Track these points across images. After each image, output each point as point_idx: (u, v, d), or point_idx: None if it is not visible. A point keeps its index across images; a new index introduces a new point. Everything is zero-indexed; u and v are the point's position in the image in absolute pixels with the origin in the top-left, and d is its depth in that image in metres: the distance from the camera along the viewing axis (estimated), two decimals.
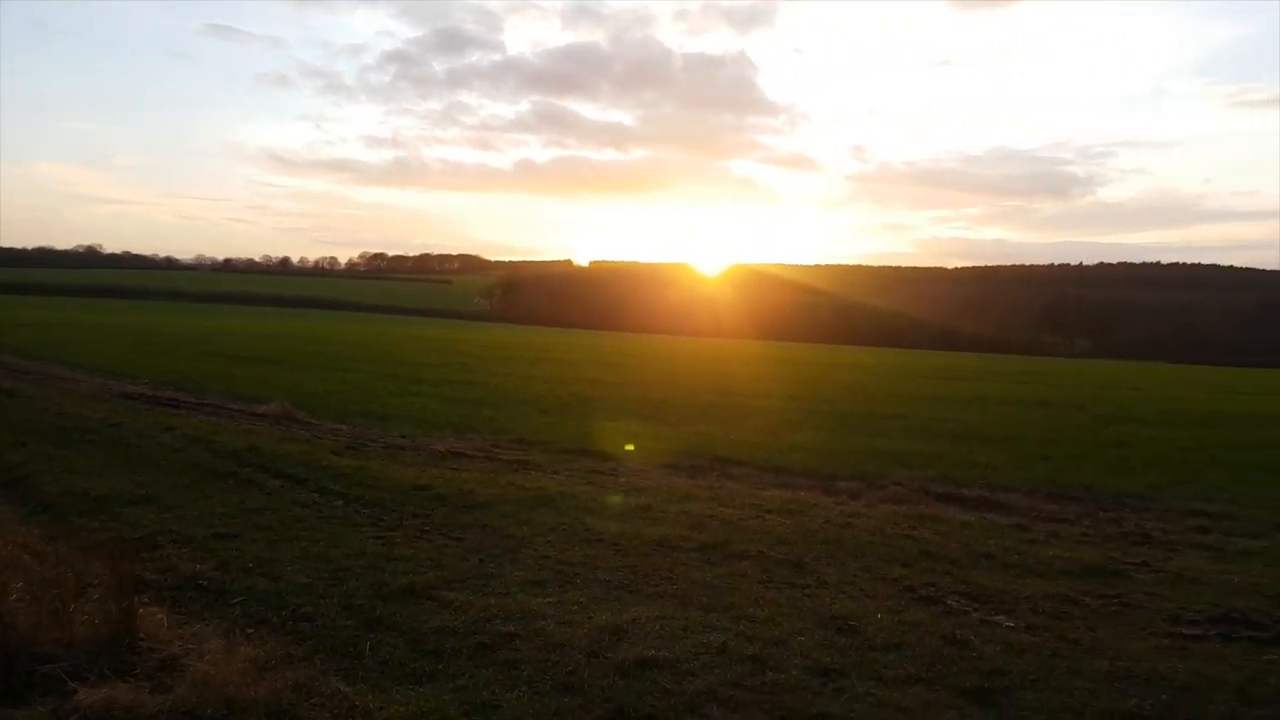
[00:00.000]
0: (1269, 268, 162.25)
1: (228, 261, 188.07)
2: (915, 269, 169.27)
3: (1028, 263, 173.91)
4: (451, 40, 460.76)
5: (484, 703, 4.39)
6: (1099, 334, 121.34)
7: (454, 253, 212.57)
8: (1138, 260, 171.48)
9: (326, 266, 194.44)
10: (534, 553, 7.05)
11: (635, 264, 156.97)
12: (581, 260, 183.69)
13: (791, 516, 8.66)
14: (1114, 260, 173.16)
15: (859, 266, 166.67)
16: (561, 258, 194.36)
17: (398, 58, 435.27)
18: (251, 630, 5.11)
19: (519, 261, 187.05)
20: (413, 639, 5.15)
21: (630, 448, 12.66)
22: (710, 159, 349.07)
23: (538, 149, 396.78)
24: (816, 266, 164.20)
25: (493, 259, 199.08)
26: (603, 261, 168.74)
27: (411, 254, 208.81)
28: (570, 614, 5.63)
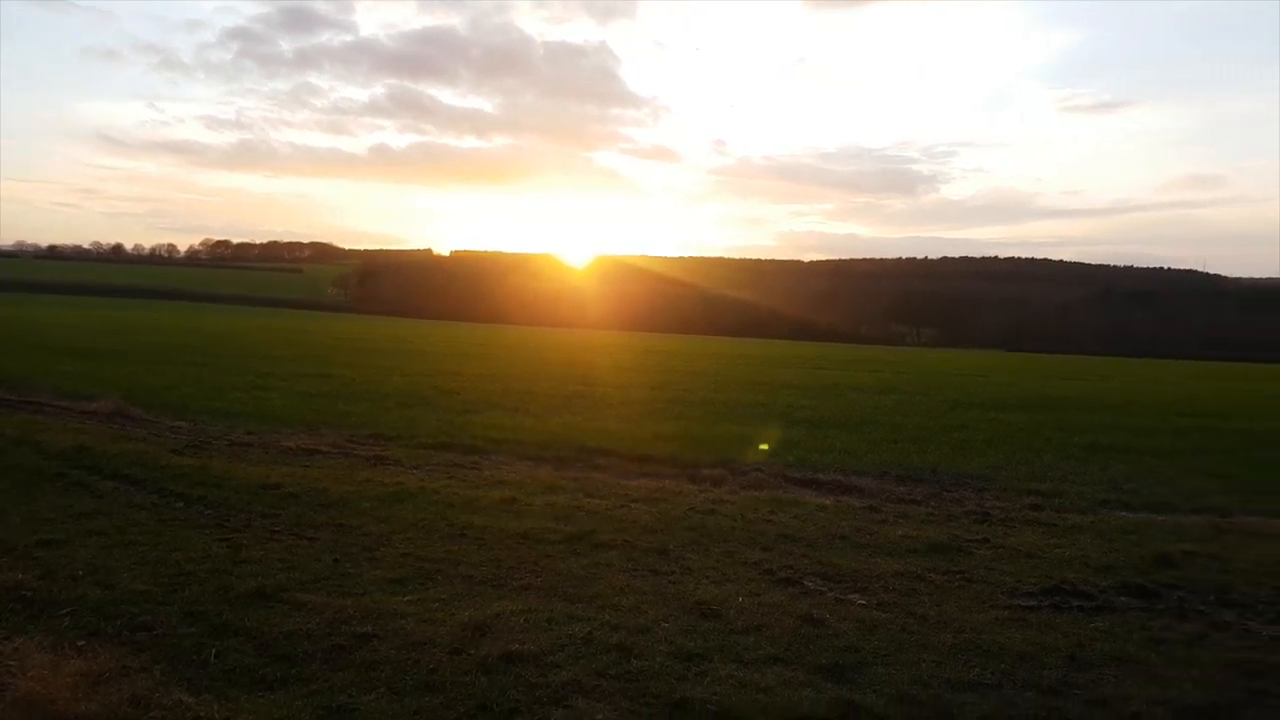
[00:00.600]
0: (1094, 262, 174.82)
1: (52, 248, 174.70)
2: (774, 261, 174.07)
3: (878, 256, 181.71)
4: (299, 18, 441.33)
5: (339, 707, 4.22)
6: (943, 324, 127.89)
7: (305, 240, 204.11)
8: (978, 255, 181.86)
9: (165, 254, 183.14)
10: (393, 550, 6.84)
11: (499, 254, 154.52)
12: (442, 250, 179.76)
13: (656, 505, 8.73)
14: (956, 255, 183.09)
15: (721, 259, 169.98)
16: (421, 247, 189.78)
17: (240, 35, 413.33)
18: (82, 642, 4.75)
19: (376, 250, 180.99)
20: (262, 644, 4.90)
21: (494, 440, 12.49)
22: (574, 149, 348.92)
23: (394, 134, 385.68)
24: (680, 258, 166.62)
25: (347, 247, 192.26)
26: (465, 251, 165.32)
27: (259, 241, 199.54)
28: (432, 611, 5.48)
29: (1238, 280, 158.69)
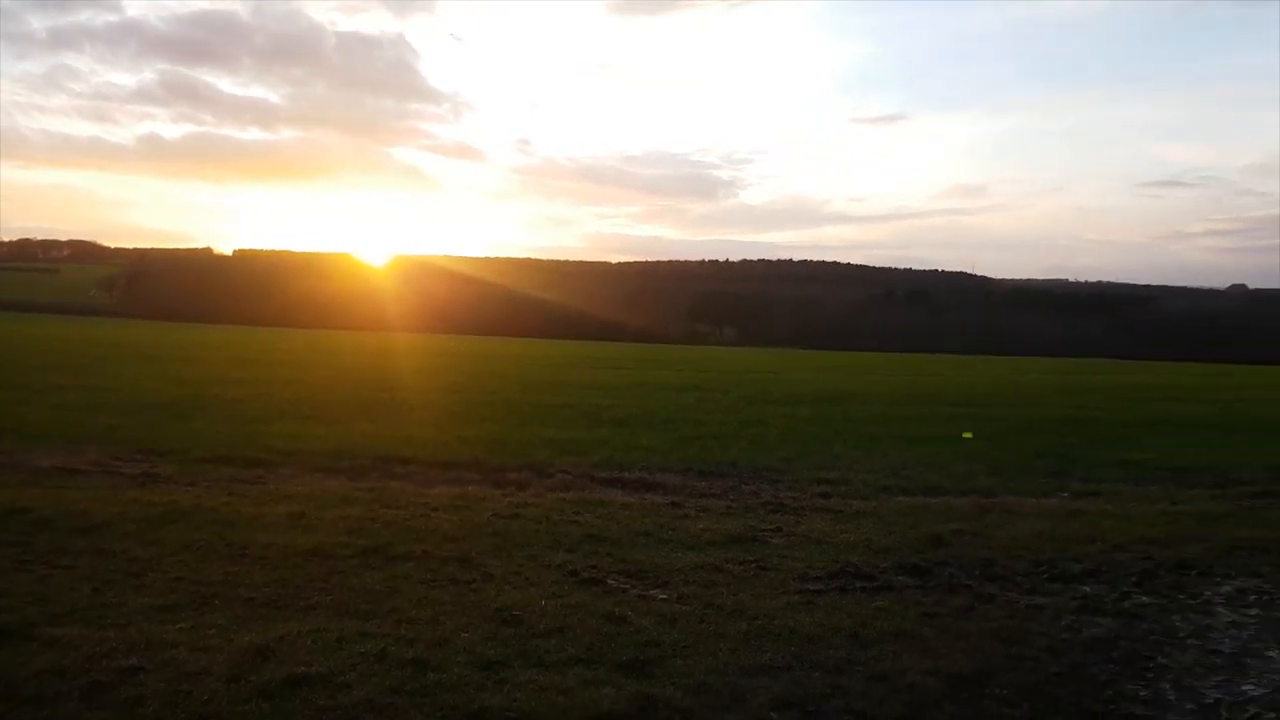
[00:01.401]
0: (878, 264, 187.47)
1: None
2: (581, 263, 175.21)
3: (682, 259, 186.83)
4: None
5: None
6: (743, 323, 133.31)
7: (63, 238, 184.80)
8: (774, 257, 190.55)
9: None
10: (163, 575, 6.28)
11: (289, 253, 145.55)
12: (224, 248, 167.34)
13: (458, 512, 8.51)
14: (755, 258, 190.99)
15: (527, 259, 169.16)
16: (201, 245, 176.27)
17: None
18: None
19: (148, 249, 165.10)
20: (8, 686, 4.37)
21: (282, 452, 11.77)
22: (371, 144, 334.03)
23: (167, 124, 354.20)
24: (485, 258, 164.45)
25: (113, 246, 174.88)
26: (250, 250, 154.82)
27: (9, 238, 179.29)
28: (207, 639, 5.07)
29: (1003, 281, 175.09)
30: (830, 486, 10.80)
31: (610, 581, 6.45)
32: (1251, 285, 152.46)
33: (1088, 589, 6.72)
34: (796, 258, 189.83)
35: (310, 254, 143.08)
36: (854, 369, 44.70)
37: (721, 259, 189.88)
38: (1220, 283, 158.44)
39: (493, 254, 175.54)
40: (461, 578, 6.43)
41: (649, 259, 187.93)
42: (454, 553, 7.05)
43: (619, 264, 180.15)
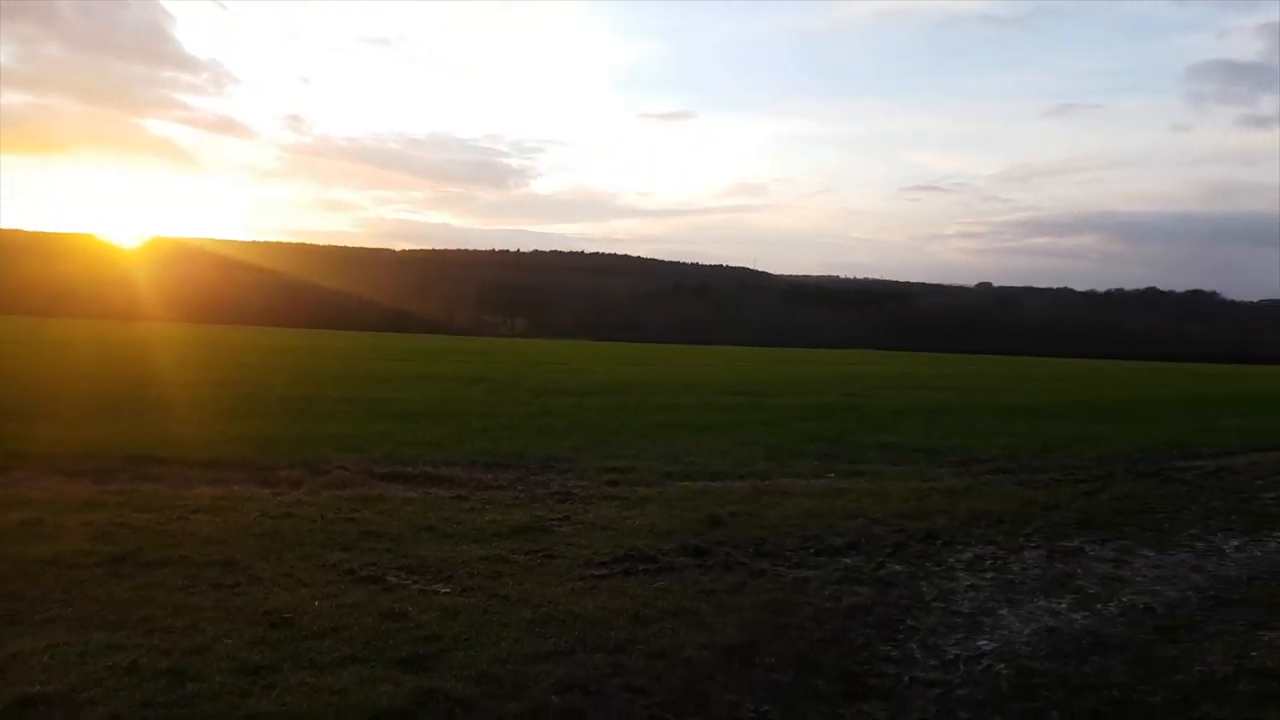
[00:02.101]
0: (665, 258, 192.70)
1: None
2: (361, 249, 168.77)
3: (470, 248, 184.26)
4: None
5: None
6: (534, 314, 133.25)
7: None
8: (566, 249, 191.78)
9: None
10: None
11: (17, 232, 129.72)
12: None
13: (222, 514, 7.94)
14: (546, 248, 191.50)
15: (301, 244, 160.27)
16: None
17: None
18: None
19: None
20: None
21: (14, 454, 10.51)
22: (118, 114, 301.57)
23: None
24: (254, 243, 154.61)
25: None
26: None
27: None
28: None
29: (781, 277, 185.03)
30: (618, 474, 10.99)
31: (390, 578, 6.24)
32: (996, 284, 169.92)
33: (849, 561, 7.23)
34: (588, 250, 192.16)
35: (44, 234, 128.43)
36: (642, 360, 45.78)
37: (512, 249, 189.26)
38: (969, 281, 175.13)
39: (263, 238, 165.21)
40: (225, 582, 6.00)
41: (435, 247, 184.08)
42: (216, 556, 6.57)
43: (403, 251, 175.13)
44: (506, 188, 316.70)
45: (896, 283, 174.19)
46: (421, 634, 5.13)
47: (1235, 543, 8.64)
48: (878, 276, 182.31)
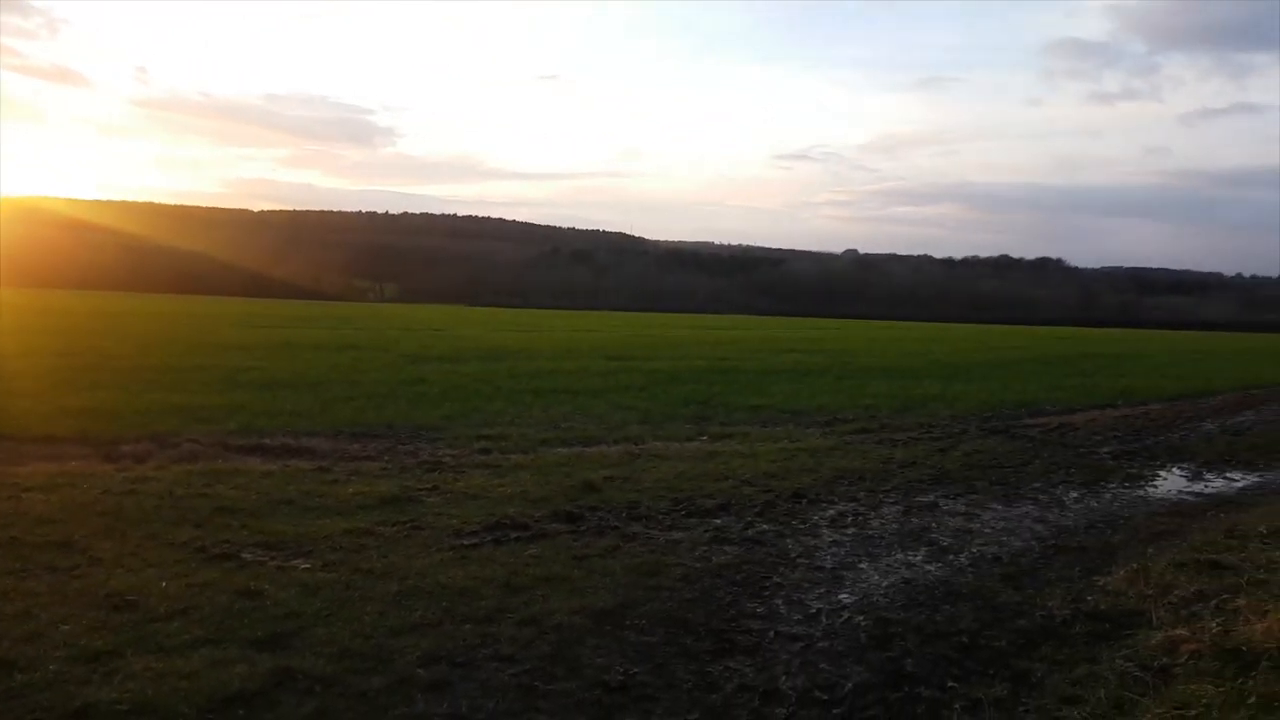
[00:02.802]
0: (543, 223, 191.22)
1: None
2: (219, 210, 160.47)
3: (337, 209, 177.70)
4: None
5: None
6: (406, 279, 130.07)
7: None
8: (439, 211, 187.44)
9: None
10: None
11: None
12: None
13: (58, 492, 7.40)
14: (418, 210, 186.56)
15: (153, 204, 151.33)
16: None
17: None
18: None
19: None
20: None
21: None
22: None
23: None
24: (99, 202, 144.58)
25: None
26: None
27: None
28: None
29: (658, 243, 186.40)
30: (491, 442, 10.84)
31: (245, 555, 5.96)
32: (862, 250, 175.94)
33: (719, 521, 7.35)
34: (463, 212, 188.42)
35: None
36: (520, 326, 45.37)
37: (381, 211, 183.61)
38: (838, 248, 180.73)
39: (110, 197, 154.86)
40: (61, 564, 5.60)
41: (299, 208, 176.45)
42: (52, 537, 6.12)
43: (263, 212, 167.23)
44: (374, 146, 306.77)
45: (769, 249, 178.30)
46: (279, 612, 4.93)
47: (1074, 494, 9.23)
48: (751, 243, 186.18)
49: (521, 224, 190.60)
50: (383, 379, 17.09)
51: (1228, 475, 10.70)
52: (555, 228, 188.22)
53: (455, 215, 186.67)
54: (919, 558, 6.63)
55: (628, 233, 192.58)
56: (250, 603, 5.05)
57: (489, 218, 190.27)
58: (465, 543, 6.47)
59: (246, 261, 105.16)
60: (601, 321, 59.15)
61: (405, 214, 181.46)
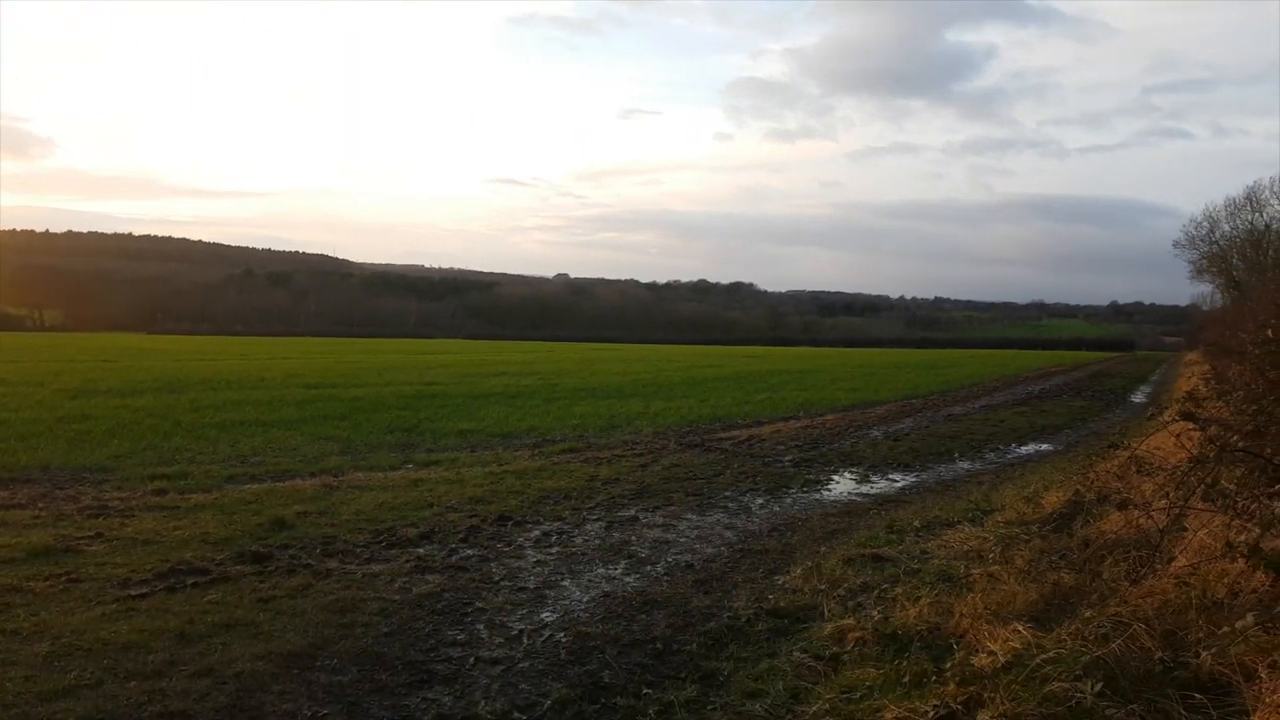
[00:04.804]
0: (234, 244, 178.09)
1: None
2: None
3: None
4: None
5: None
6: (71, 305, 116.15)
7: None
8: (110, 231, 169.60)
9: None
10: None
11: None
12: None
13: None
14: (85, 229, 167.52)
15: None
16: None
17: None
18: None
19: None
20: None
21: None
22: None
23: None
24: None
25: None
26: None
27: None
28: None
29: (364, 265, 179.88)
30: (168, 482, 9.93)
31: None
32: (572, 274, 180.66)
33: (421, 551, 7.20)
34: (139, 231, 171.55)
35: None
36: (206, 354, 41.88)
37: (40, 229, 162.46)
38: (548, 271, 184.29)
39: None
40: None
41: None
42: None
43: None
44: (30, 157, 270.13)
45: (481, 273, 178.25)
46: None
47: (760, 500, 10.01)
48: (462, 266, 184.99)
49: (209, 244, 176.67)
50: (36, 417, 15.07)
51: (890, 476, 12.09)
52: (249, 249, 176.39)
53: (130, 234, 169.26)
54: (619, 570, 6.88)
55: (330, 254, 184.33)
56: None
57: (170, 237, 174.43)
58: (133, 593, 5.85)
59: None
60: (300, 348, 55.98)
61: (70, 232, 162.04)
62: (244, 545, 7.08)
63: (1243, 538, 4.52)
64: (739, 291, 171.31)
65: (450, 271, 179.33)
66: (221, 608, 5.58)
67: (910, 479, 11.99)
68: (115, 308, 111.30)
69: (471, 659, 4.94)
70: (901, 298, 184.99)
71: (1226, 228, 44.86)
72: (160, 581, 6.12)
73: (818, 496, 10.47)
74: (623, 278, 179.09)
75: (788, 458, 13.25)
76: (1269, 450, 5.11)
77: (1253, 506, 5.08)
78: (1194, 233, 48.46)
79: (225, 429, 14.34)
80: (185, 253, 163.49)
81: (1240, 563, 4.46)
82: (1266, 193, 40.23)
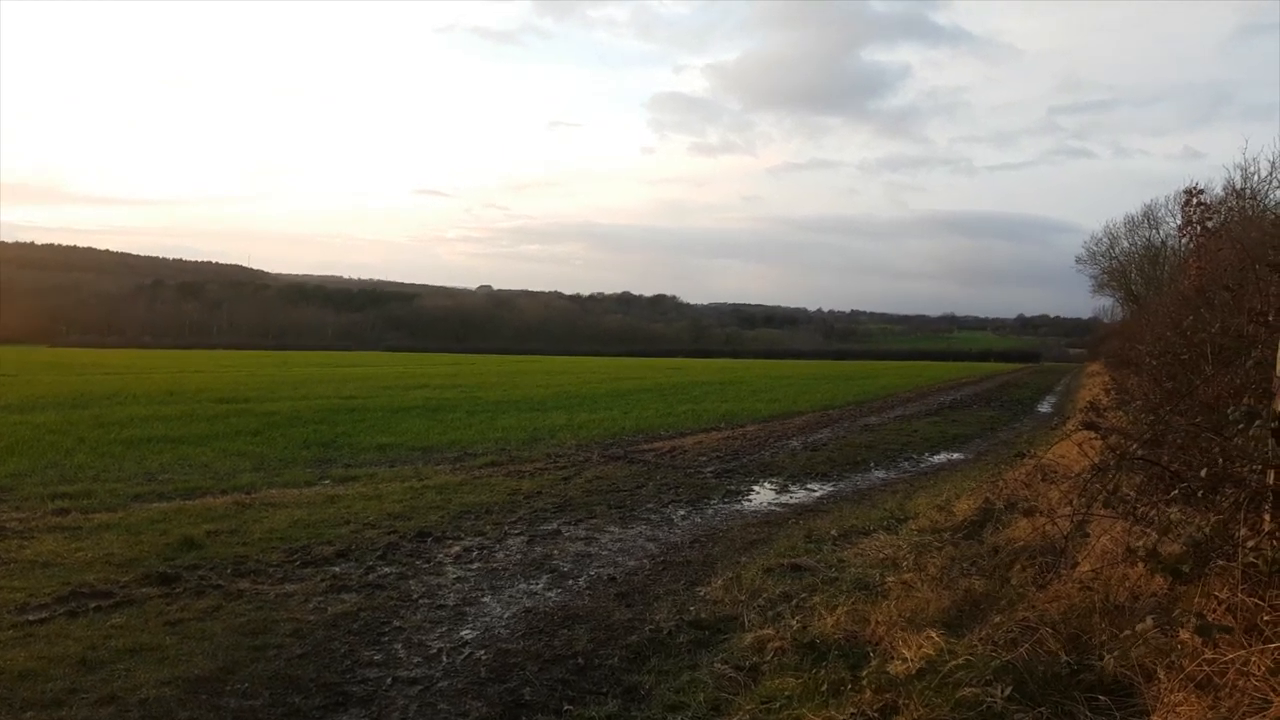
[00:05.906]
0: (142, 253, 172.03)
1: None
2: None
3: None
4: None
5: None
6: None
7: None
8: (10, 239, 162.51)
9: None
10: None
11: None
12: None
13: None
14: None
15: None
16: None
17: None
18: None
19: None
20: None
21: None
22: None
23: None
24: None
25: None
26: None
27: None
28: None
29: (279, 276, 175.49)
30: (70, 501, 9.52)
31: None
32: (495, 286, 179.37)
33: (337, 569, 7.04)
34: (40, 240, 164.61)
35: None
36: (111, 367, 40.30)
37: None
38: (471, 283, 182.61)
39: None
40: None
41: None
42: None
43: None
44: None
45: (402, 284, 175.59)
46: None
47: (682, 512, 10.07)
48: (383, 278, 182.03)
49: (116, 254, 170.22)
50: None
51: (808, 486, 12.29)
52: (158, 259, 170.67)
53: (32, 243, 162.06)
54: (541, 585, 6.84)
55: (244, 264, 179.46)
56: None
57: (75, 246, 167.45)
58: (31, 618, 5.59)
59: None
60: (212, 361, 54.27)
61: None
62: (151, 566, 6.82)
63: (1142, 542, 4.70)
64: (662, 304, 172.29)
65: (370, 283, 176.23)
66: (126, 632, 5.36)
67: (828, 488, 12.21)
68: (15, 319, 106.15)
69: (389, 679, 4.84)
70: (820, 310, 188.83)
71: (1126, 244, 46.80)
72: (60, 606, 5.86)
73: (738, 507, 10.58)
74: (547, 290, 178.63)
75: (709, 469, 13.36)
76: (1166, 458, 5.34)
77: (1151, 512, 5.30)
78: (1095, 249, 50.43)
79: (132, 445, 13.80)
80: (91, 262, 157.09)
81: (1140, 567, 4.64)
82: (1163, 210, 42.07)
